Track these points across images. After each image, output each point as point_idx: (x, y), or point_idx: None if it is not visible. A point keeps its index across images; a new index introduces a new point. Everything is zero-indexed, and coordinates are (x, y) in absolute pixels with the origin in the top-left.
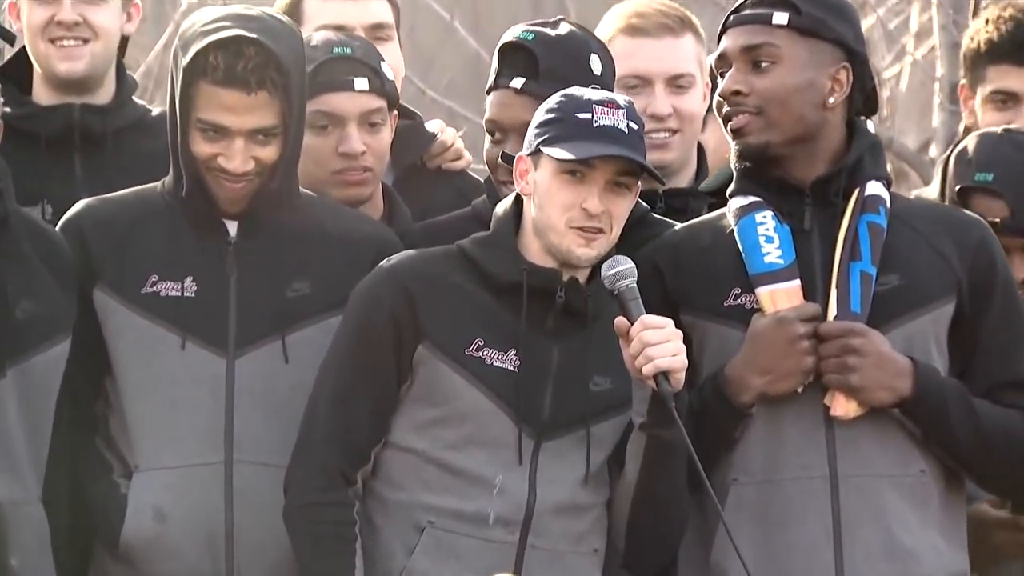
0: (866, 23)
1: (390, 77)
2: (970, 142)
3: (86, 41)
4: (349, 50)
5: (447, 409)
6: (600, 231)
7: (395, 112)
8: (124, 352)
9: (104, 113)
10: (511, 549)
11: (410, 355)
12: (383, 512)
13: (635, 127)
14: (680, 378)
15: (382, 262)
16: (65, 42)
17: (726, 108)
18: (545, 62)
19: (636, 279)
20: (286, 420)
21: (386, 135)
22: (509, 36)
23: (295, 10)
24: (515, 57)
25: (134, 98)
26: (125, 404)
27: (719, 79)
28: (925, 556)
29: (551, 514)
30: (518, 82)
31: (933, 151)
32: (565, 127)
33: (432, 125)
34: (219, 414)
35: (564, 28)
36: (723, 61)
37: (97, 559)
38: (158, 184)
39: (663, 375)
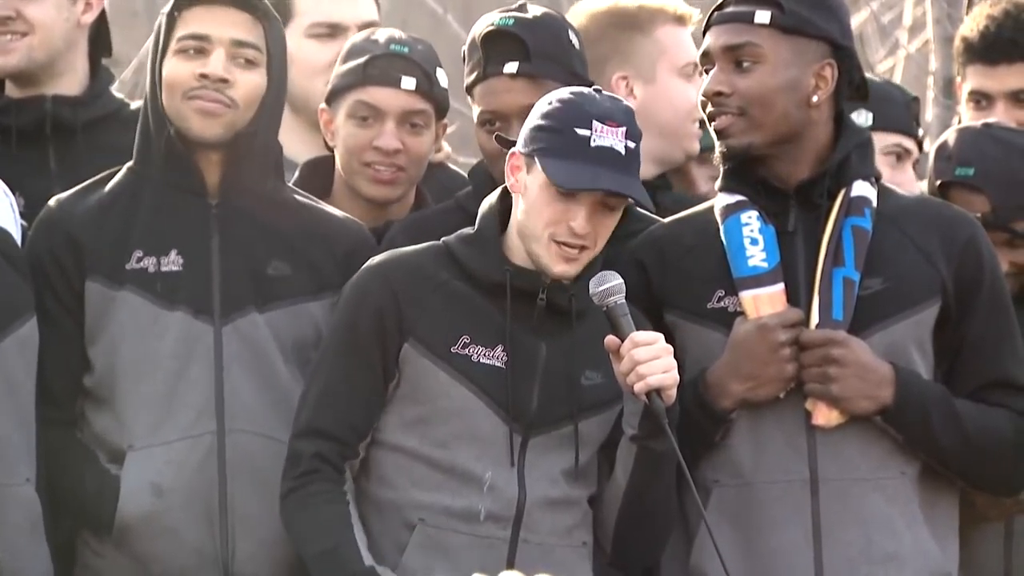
0: (859, 17)
1: (444, 84)
2: (950, 136)
3: (24, 35)
4: (406, 49)
5: (434, 407)
6: (583, 248)
7: (444, 122)
8: (117, 334)
9: (75, 105)
10: (503, 545)
11: (396, 353)
12: (374, 510)
13: (632, 146)
14: (672, 394)
15: (370, 259)
16: (1, 37)
17: (709, 108)
18: (533, 43)
19: (625, 294)
20: (275, 388)
21: (427, 139)
22: (485, 27)
23: (282, 3)
24: (501, 44)
25: (112, 91)
26: (118, 388)
27: (703, 76)
28: (907, 558)
29: (541, 509)
30: (512, 67)
31: (927, 145)
32: (563, 140)
33: None
34: (209, 383)
35: (536, 9)
36: (706, 59)
37: (82, 554)
38: (121, 169)
39: (655, 391)
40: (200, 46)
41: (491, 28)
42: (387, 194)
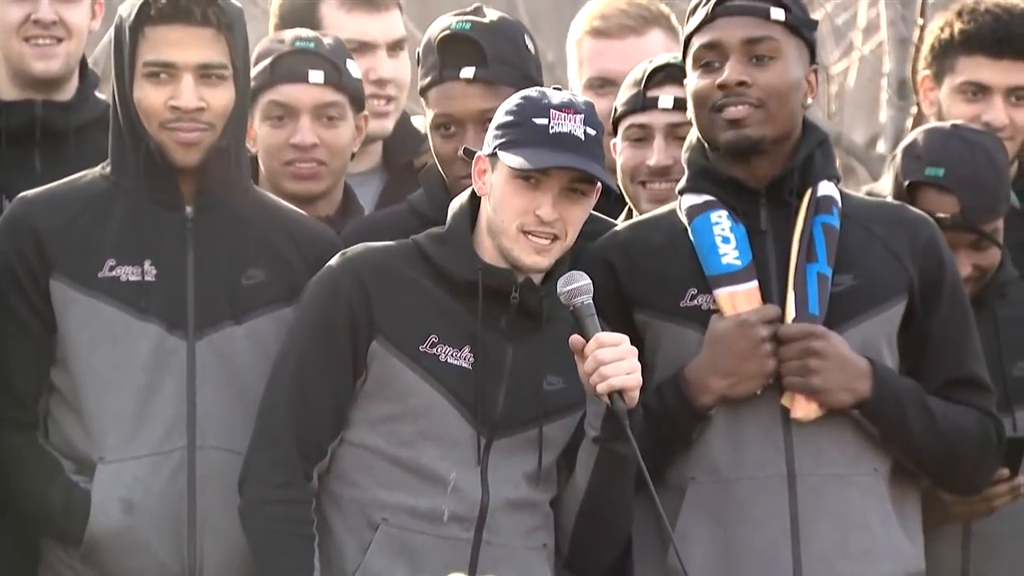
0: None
1: (355, 75)
2: (919, 136)
3: (60, 40)
4: (312, 44)
5: (401, 405)
6: (554, 238)
7: (364, 113)
8: (86, 340)
9: (67, 109)
10: (466, 546)
11: (365, 348)
12: (336, 509)
13: (592, 132)
14: (634, 396)
15: (338, 254)
16: (40, 41)
17: (722, 97)
18: (490, 48)
19: (592, 295)
20: (247, 405)
21: (343, 131)
22: (441, 30)
23: (310, 15)
24: (458, 48)
25: (96, 93)
26: (86, 395)
27: (704, 68)
28: (881, 555)
29: (503, 511)
30: (468, 72)
31: (881, 147)
32: (522, 132)
33: (419, 121)
34: (181, 399)
35: (492, 14)
36: (713, 51)
37: (48, 558)
38: (94, 172)
39: (617, 393)
40: (168, 72)
41: (447, 32)
42: (310, 188)
